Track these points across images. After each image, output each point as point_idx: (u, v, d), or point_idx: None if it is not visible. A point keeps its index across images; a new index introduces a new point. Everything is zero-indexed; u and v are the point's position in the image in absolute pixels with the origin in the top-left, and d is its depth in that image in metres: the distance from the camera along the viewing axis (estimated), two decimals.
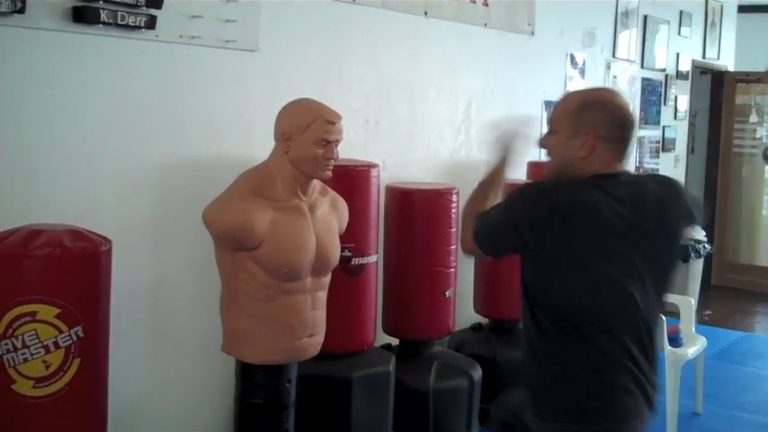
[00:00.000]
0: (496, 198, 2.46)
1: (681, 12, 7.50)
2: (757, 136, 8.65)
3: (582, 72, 6.06)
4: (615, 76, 6.54)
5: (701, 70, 8.24)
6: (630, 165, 6.83)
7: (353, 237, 3.40)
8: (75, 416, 2.53)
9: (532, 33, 5.39)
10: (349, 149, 3.41)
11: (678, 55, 7.55)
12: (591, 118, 2.16)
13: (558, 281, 2.16)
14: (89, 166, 3.03)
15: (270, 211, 2.77)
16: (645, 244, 2.17)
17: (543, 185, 2.28)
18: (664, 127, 7.48)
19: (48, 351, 2.43)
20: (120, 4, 2.97)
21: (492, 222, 2.28)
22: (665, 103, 7.44)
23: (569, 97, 2.34)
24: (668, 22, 7.27)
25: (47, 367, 2.43)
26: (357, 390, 3.51)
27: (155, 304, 3.32)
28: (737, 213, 8.70)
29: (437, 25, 4.59)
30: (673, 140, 7.70)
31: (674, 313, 5.03)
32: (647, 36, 6.95)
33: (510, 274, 2.67)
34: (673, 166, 7.79)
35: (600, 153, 2.17)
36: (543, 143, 2.32)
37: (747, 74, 8.57)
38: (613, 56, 6.47)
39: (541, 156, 5.60)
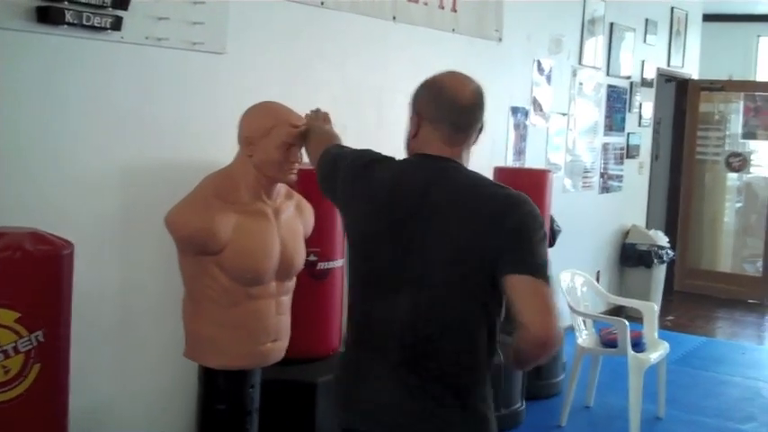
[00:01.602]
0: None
1: (646, 20, 7.58)
2: (720, 143, 8.77)
3: (548, 78, 6.10)
4: (581, 83, 6.60)
5: (665, 78, 8.33)
6: (595, 171, 6.90)
7: (319, 241, 3.39)
8: (36, 422, 2.49)
9: (500, 39, 5.42)
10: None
11: (643, 62, 7.63)
12: (420, 98, 2.13)
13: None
14: (51, 168, 2.99)
15: (233, 215, 2.75)
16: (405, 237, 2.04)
17: (375, 155, 2.26)
18: (628, 134, 7.55)
19: (7, 356, 2.39)
20: (85, 4, 2.93)
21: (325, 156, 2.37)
22: (629, 110, 7.51)
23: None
24: (634, 30, 7.34)
25: (6, 372, 2.39)
26: (322, 395, 3.50)
27: (118, 308, 3.28)
28: (700, 220, 8.82)
29: (406, 30, 4.60)
30: (637, 147, 7.77)
31: (636, 318, 5.09)
32: (612, 43, 7.01)
33: None
34: (637, 173, 7.87)
35: (425, 134, 2.10)
36: None
37: (711, 82, 8.69)
38: (579, 63, 6.53)
39: (507, 161, 5.65)
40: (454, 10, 4.95)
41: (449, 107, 2.07)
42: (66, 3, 2.88)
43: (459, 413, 2.02)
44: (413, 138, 2.14)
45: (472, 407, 2.04)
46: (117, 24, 3.05)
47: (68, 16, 2.88)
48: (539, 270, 1.93)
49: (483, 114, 2.13)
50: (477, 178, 2.08)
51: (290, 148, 2.79)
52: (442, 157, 2.07)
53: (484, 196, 2.02)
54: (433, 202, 2.01)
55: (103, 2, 2.98)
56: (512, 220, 1.96)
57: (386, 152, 4.84)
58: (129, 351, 3.34)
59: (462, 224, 1.99)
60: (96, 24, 2.98)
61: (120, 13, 3.05)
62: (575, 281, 5.08)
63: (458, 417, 2.02)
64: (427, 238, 2.00)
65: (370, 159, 2.22)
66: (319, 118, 2.79)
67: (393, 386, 2.03)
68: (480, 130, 2.14)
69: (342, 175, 2.23)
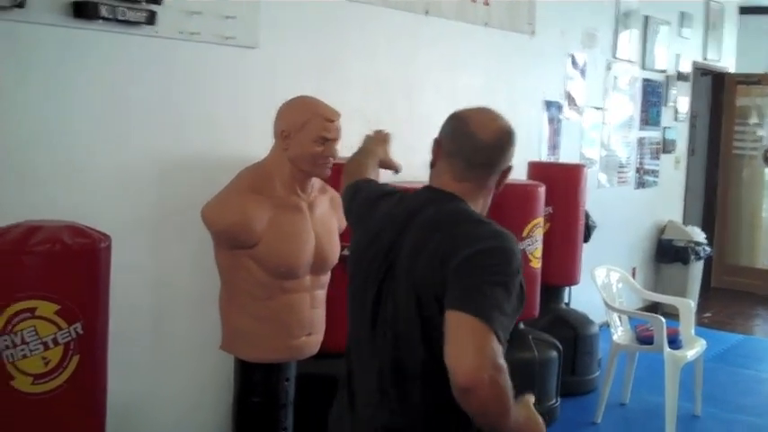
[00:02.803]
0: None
1: (681, 13, 7.49)
2: (757, 137, 8.65)
3: (582, 72, 6.05)
4: (616, 77, 6.53)
5: (701, 71, 8.23)
6: (630, 166, 6.84)
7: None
8: (75, 412, 2.52)
9: (533, 33, 5.38)
10: (348, 148, 3.39)
11: (678, 56, 7.54)
12: (444, 129, 2.01)
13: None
14: (88, 162, 3.02)
15: (268, 208, 2.76)
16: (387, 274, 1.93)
17: (388, 189, 2.20)
18: (664, 128, 7.47)
19: (47, 348, 2.42)
20: None
21: None
22: (665, 105, 7.42)
23: None
24: (669, 23, 7.26)
25: (46, 364, 2.42)
26: None
27: (154, 301, 3.30)
28: (737, 215, 8.69)
29: (437, 24, 4.58)
30: (673, 142, 7.69)
31: (673, 315, 5.03)
32: (647, 37, 6.93)
33: None
34: (673, 168, 7.78)
35: (440, 166, 1.99)
36: None
37: (748, 75, 8.57)
38: (614, 56, 6.46)
39: (542, 156, 5.62)
40: (486, 4, 4.92)
41: (466, 142, 1.95)
42: None
43: None
44: (431, 168, 2.03)
45: None
46: (151, 19, 3.07)
47: (103, 11, 2.91)
48: (478, 309, 1.65)
49: (506, 156, 1.98)
50: (461, 215, 1.90)
51: (325, 142, 2.80)
52: (445, 191, 1.94)
53: (452, 231, 1.84)
54: (406, 237, 1.89)
55: None
56: (464, 253, 1.76)
57: (415, 145, 4.83)
58: (164, 344, 3.36)
59: (421, 260, 1.83)
60: (131, 19, 3.01)
61: (153, 7, 3.08)
62: (610, 277, 5.03)
63: None
64: (398, 274, 1.88)
65: (382, 193, 2.15)
66: (378, 140, 2.66)
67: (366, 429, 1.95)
68: (504, 172, 1.99)
69: (355, 208, 2.20)
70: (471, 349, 1.62)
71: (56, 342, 2.43)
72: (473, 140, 1.94)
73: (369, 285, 1.94)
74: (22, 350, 2.40)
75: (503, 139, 1.96)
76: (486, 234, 1.83)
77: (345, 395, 2.03)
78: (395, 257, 1.90)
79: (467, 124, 1.96)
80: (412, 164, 4.44)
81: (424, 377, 1.82)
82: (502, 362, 1.63)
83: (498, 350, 1.63)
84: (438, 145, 2.00)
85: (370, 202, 2.13)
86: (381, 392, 1.90)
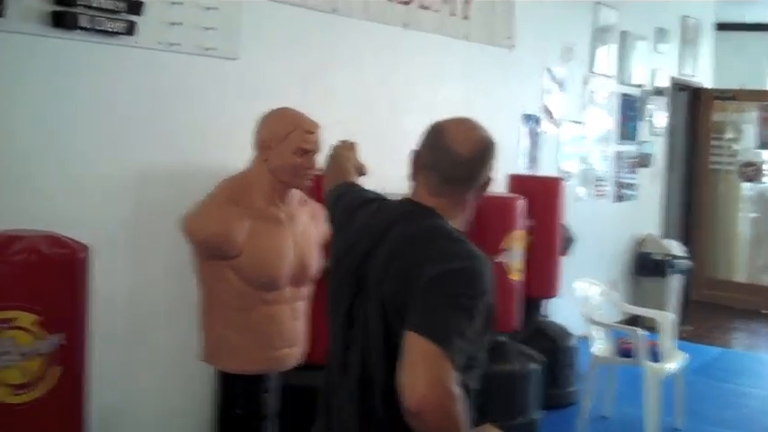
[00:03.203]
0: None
1: (658, 29, 7.57)
2: (733, 152, 8.73)
3: (561, 86, 6.08)
4: (593, 91, 6.58)
5: (678, 87, 8.31)
6: (608, 179, 6.87)
7: None
8: (56, 423, 2.50)
9: (512, 47, 5.41)
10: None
11: (655, 71, 7.61)
12: (422, 141, 1.95)
13: None
14: (67, 172, 3.00)
15: (248, 219, 2.76)
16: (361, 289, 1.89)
17: (369, 196, 2.16)
18: (641, 142, 7.52)
19: (26, 358, 2.39)
20: (99, 9, 2.95)
21: None
22: (642, 119, 7.48)
23: None
24: (645, 39, 7.33)
25: (25, 374, 2.39)
26: None
27: (132, 312, 3.28)
28: (714, 229, 8.77)
29: (417, 37, 4.60)
30: (650, 156, 7.74)
31: (653, 328, 5.04)
32: (624, 52, 7.00)
33: None
34: (650, 182, 7.83)
35: (418, 179, 1.94)
36: None
37: (723, 91, 8.65)
38: (591, 71, 6.51)
39: (519, 169, 5.62)
40: (466, 17, 4.94)
41: (442, 157, 1.88)
42: (80, 8, 2.89)
43: None
44: (411, 180, 1.97)
45: None
46: (130, 29, 3.06)
47: (82, 21, 2.90)
48: (436, 333, 1.61)
49: (484, 169, 1.91)
50: (436, 231, 1.84)
51: (305, 153, 2.79)
52: (423, 206, 1.89)
53: (425, 247, 1.80)
54: (380, 249, 1.85)
55: (117, 7, 3.00)
56: (431, 273, 1.71)
57: (395, 157, 4.85)
58: (144, 354, 3.33)
59: (390, 274, 1.79)
60: (110, 29, 3.00)
61: (133, 18, 3.07)
62: (590, 290, 5.04)
63: None
64: (369, 287, 1.84)
65: (362, 201, 2.11)
66: (345, 147, 2.62)
67: None
68: (482, 186, 1.93)
69: (337, 215, 2.15)
70: (422, 374, 1.59)
71: (36, 353, 2.40)
72: (449, 155, 1.87)
73: (342, 297, 1.91)
74: (2, 361, 2.36)
75: (482, 152, 1.90)
76: (458, 254, 1.78)
77: (323, 410, 2.00)
78: (367, 269, 1.85)
79: (444, 137, 1.89)
80: (393, 175, 4.45)
81: (387, 392, 1.74)
82: (454, 388, 1.58)
83: (451, 376, 1.59)
84: (417, 156, 1.94)
85: (349, 211, 2.09)
86: (351, 404, 1.87)
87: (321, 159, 2.86)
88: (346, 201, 2.17)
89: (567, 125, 6.25)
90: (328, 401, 1.98)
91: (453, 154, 1.87)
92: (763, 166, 8.67)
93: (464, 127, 1.92)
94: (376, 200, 2.10)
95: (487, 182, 1.94)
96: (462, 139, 1.88)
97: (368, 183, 4.00)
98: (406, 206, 1.93)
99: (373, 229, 1.91)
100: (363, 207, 2.07)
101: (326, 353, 2.02)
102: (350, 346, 1.88)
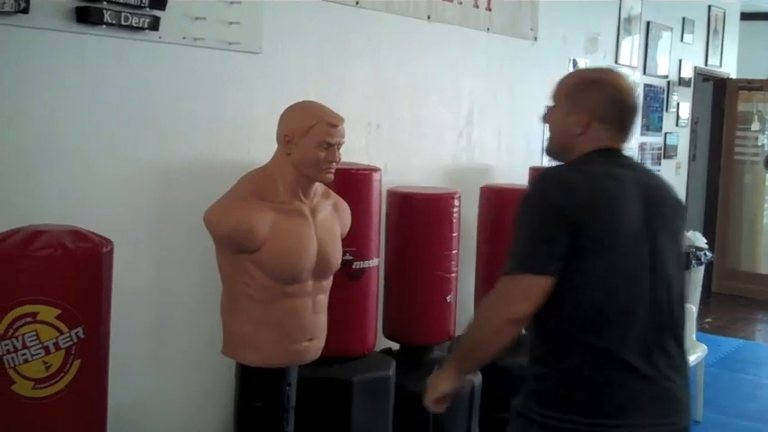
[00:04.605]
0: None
1: (683, 18, 7.50)
2: (759, 143, 8.65)
3: None
4: None
5: (703, 77, 8.23)
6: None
7: (355, 240, 3.39)
8: (75, 417, 2.52)
9: (535, 39, 5.38)
10: (351, 153, 3.40)
11: (680, 62, 7.55)
12: (588, 97, 2.13)
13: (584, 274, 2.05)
14: (91, 167, 3.02)
15: (271, 213, 2.76)
16: (659, 235, 2.11)
17: (553, 181, 2.15)
18: (665, 134, 7.47)
19: (48, 352, 2.42)
20: (123, 4, 2.96)
21: (525, 242, 2.08)
22: (666, 110, 7.43)
23: (571, 74, 2.36)
24: (671, 29, 7.26)
25: (47, 368, 2.42)
26: (357, 394, 3.50)
27: (155, 306, 3.30)
28: (738, 221, 8.70)
29: (440, 29, 4.59)
30: (674, 147, 7.69)
31: None
32: (649, 42, 6.94)
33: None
34: (674, 173, 7.78)
35: (595, 131, 2.13)
36: (545, 117, 2.28)
37: (750, 81, 8.57)
38: (616, 62, 6.46)
39: (543, 162, 5.62)
40: (489, 9, 4.92)
41: (618, 106, 2.15)
42: (104, 3, 2.90)
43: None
44: (579, 134, 2.14)
45: None
46: (154, 24, 3.07)
47: (107, 16, 2.91)
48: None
49: None
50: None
51: (328, 147, 2.80)
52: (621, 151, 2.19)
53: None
54: (653, 203, 2.15)
55: (141, 2, 3.01)
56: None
57: (417, 150, 4.85)
58: (165, 348, 3.36)
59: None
60: (134, 24, 3.01)
61: (157, 13, 3.07)
62: None
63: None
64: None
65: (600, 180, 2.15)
66: None
67: None
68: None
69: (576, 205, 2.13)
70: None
71: (57, 346, 2.43)
72: (629, 107, 2.18)
73: (641, 253, 2.07)
74: (24, 354, 2.40)
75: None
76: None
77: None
78: (659, 222, 2.11)
79: (616, 92, 2.14)
80: (414, 168, 4.47)
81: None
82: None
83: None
84: (591, 115, 2.12)
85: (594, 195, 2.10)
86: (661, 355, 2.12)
87: (344, 152, 2.89)
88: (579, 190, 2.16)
89: None
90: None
91: (632, 106, 2.22)
92: None
93: (620, 78, 2.21)
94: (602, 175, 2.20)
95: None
96: (626, 90, 2.19)
97: (389, 176, 4.04)
98: (629, 159, 2.28)
99: (634, 191, 2.14)
100: (603, 180, 2.13)
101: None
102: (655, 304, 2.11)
